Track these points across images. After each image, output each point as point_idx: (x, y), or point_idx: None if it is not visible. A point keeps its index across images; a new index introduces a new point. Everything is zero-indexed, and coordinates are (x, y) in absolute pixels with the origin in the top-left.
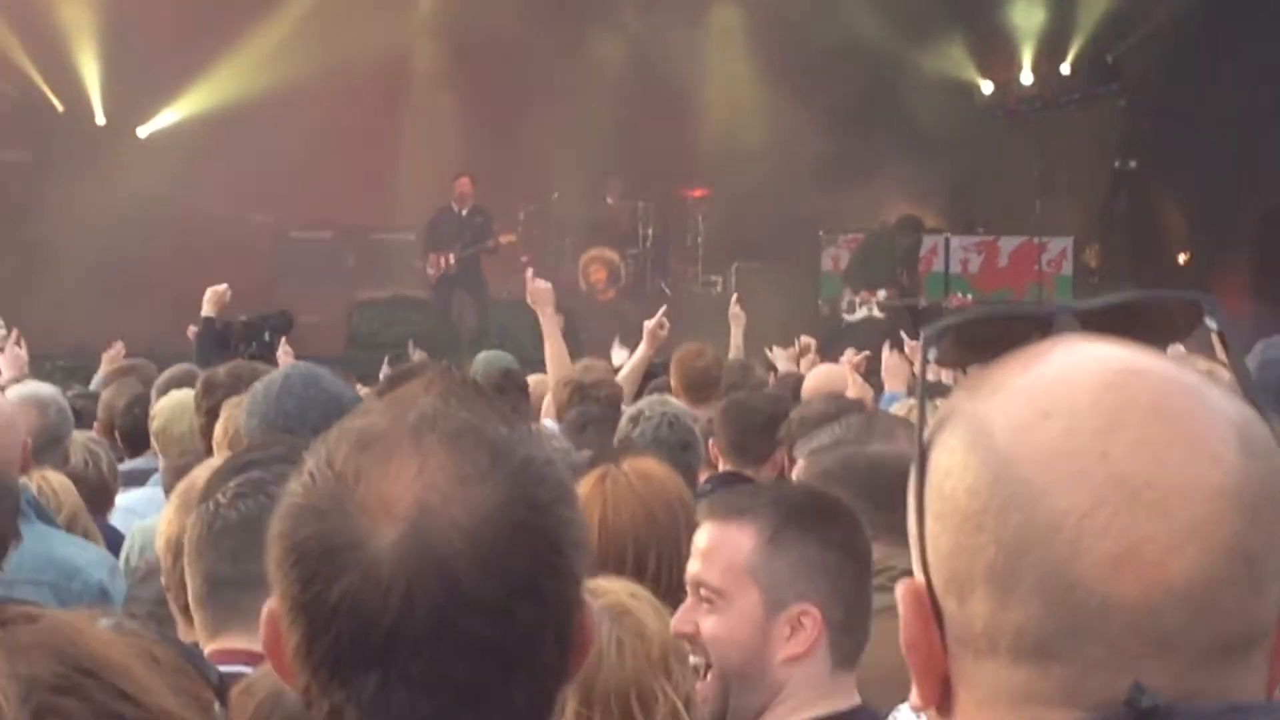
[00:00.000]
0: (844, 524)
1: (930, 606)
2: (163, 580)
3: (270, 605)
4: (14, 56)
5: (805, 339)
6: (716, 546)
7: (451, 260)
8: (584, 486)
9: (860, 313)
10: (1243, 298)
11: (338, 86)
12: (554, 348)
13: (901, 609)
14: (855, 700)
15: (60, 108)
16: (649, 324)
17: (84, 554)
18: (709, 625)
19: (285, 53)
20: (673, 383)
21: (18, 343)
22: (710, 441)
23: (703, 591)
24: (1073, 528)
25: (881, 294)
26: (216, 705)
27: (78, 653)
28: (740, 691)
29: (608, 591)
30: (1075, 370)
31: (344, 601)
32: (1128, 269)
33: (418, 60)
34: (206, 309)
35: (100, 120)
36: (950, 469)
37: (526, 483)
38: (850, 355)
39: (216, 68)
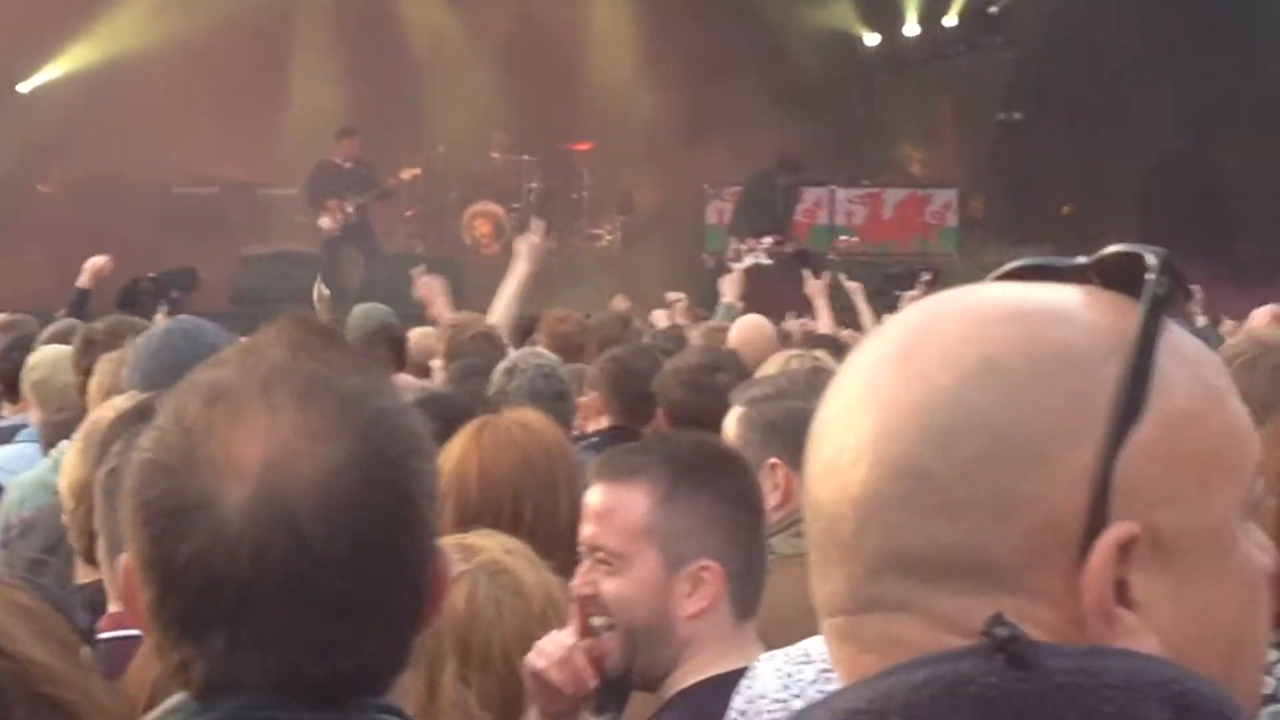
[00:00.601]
0: (736, 475)
1: None
2: (65, 519)
3: (125, 560)
4: None
5: (673, 295)
6: (611, 508)
7: (350, 209)
8: (463, 437)
9: (747, 260)
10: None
11: (222, 41)
12: (505, 297)
13: None
14: (759, 651)
15: None
16: (521, 242)
17: None
18: (610, 587)
19: (169, 7)
20: (542, 341)
21: None
22: (591, 394)
23: (600, 554)
24: (819, 434)
25: (767, 240)
26: (84, 649)
27: None
28: (647, 649)
29: (483, 549)
30: (934, 296)
31: (193, 560)
32: (1012, 220)
33: (303, 15)
34: (83, 280)
35: None
36: None
37: (377, 436)
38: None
39: (99, 22)
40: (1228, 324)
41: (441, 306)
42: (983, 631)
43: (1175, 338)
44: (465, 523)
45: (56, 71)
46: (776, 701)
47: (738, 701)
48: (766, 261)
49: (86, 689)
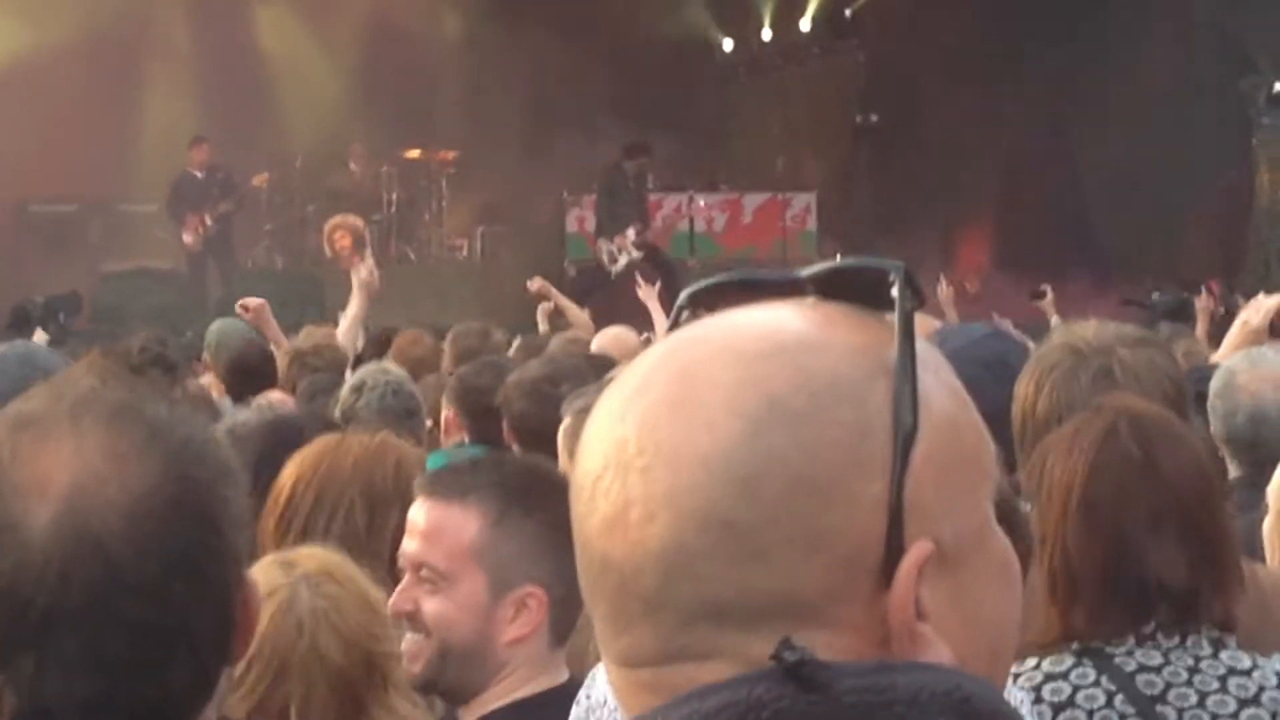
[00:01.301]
0: (565, 500)
1: None
2: None
3: None
4: None
5: (534, 281)
6: (438, 528)
7: (208, 221)
8: (310, 452)
9: (622, 260)
10: (983, 252)
11: (74, 54)
12: (345, 328)
13: None
14: (564, 675)
15: None
16: (358, 276)
17: None
18: (431, 606)
19: (19, 21)
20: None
21: None
22: (448, 409)
23: (424, 572)
24: (588, 489)
25: (631, 232)
26: None
27: None
28: (461, 669)
29: (306, 560)
30: (675, 335)
31: None
32: (870, 224)
33: (155, 26)
34: None
35: None
36: None
37: (185, 461)
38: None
39: None
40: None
41: (274, 329)
42: (772, 656)
43: (918, 349)
44: (295, 538)
45: None
46: (615, 709)
47: (577, 711)
48: (637, 254)
49: None
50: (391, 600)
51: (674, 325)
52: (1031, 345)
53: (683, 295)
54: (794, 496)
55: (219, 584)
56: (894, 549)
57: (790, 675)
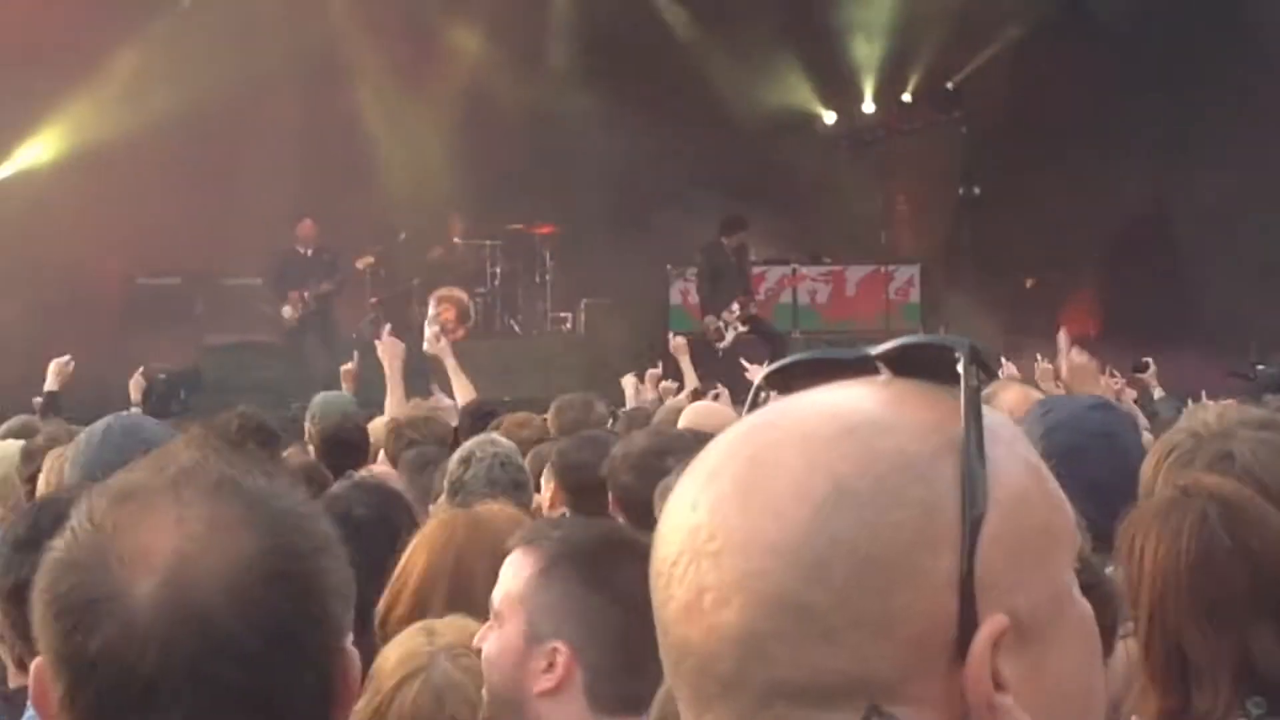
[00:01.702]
0: (625, 568)
1: None
2: None
3: (37, 661)
4: None
5: (676, 339)
6: (506, 570)
7: (307, 297)
8: (430, 529)
9: (729, 335)
10: (1090, 320)
11: (180, 131)
12: (395, 396)
13: None
14: None
15: None
16: (380, 349)
17: None
18: (487, 645)
19: (126, 100)
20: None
21: None
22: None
23: (492, 613)
24: (664, 575)
25: (735, 307)
26: None
27: None
28: (504, 715)
29: (447, 630)
30: (748, 419)
31: (103, 653)
32: (975, 295)
33: (259, 103)
34: (50, 383)
35: None
36: None
37: (285, 532)
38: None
39: (58, 116)
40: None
41: (395, 374)
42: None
43: (989, 421)
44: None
45: (15, 166)
46: None
47: None
48: (743, 329)
49: None
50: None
51: (752, 406)
52: (1140, 417)
53: (758, 377)
54: (862, 579)
55: (319, 653)
56: (967, 625)
57: None
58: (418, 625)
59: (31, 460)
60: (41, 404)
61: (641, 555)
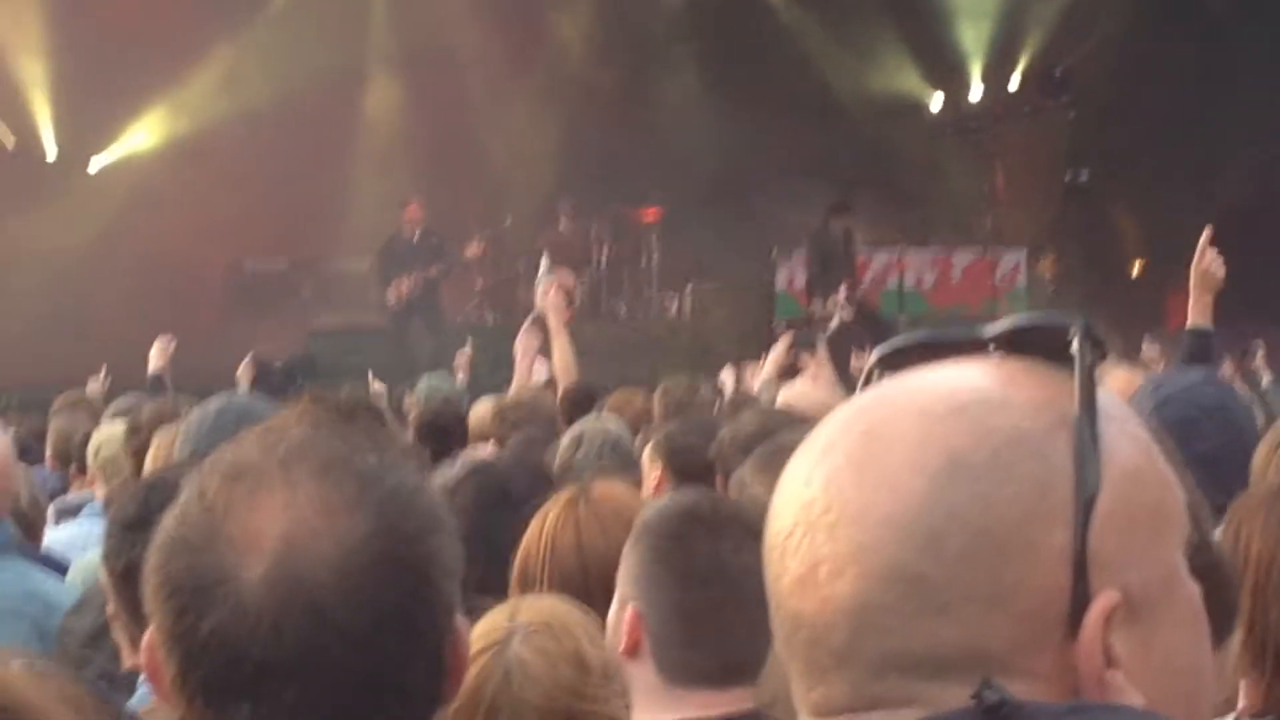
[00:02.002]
0: (693, 541)
1: None
2: (110, 609)
3: (149, 635)
4: None
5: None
6: None
7: (414, 282)
8: (554, 509)
9: (835, 319)
10: None
11: (287, 116)
12: (560, 356)
13: None
14: (681, 714)
15: (10, 144)
16: (544, 301)
17: (63, 592)
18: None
19: (233, 84)
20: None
21: None
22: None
23: None
24: (778, 548)
25: (842, 291)
26: None
27: None
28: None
29: (529, 610)
30: (861, 397)
31: (214, 635)
32: (1082, 281)
33: (366, 88)
34: (154, 364)
35: (51, 156)
36: None
37: (394, 513)
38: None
39: (165, 101)
40: None
41: (525, 367)
42: (973, 696)
43: (1101, 399)
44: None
45: (125, 150)
46: None
47: None
48: (849, 313)
49: None
50: None
51: (864, 386)
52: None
53: (871, 358)
54: (976, 552)
55: (429, 632)
56: (1080, 600)
57: (988, 715)
58: (505, 604)
59: (136, 434)
60: (148, 385)
61: (717, 530)
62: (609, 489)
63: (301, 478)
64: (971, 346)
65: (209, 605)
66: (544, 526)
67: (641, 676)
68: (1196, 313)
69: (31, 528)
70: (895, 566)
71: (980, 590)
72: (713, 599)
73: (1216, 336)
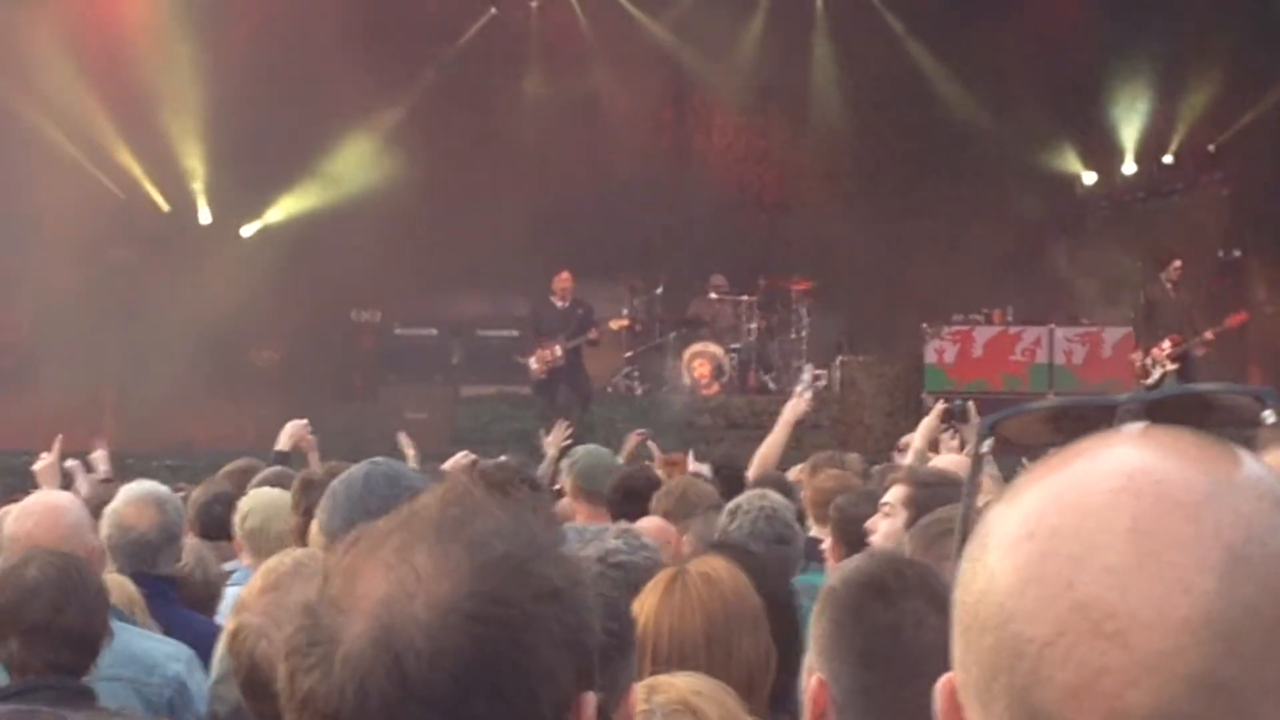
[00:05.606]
0: (866, 614)
1: (958, 705)
2: None
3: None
4: (121, 158)
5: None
6: None
7: (558, 352)
8: (653, 589)
9: (1155, 373)
10: None
11: (437, 183)
12: (770, 447)
13: (937, 701)
14: None
15: (166, 208)
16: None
17: (161, 647)
18: None
19: (384, 151)
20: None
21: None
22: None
23: None
24: (1034, 656)
25: (1166, 345)
26: None
27: None
28: None
29: (669, 688)
30: (1076, 482)
31: (309, 696)
32: (1234, 360)
33: (516, 156)
34: (283, 443)
35: (205, 219)
36: (959, 577)
37: (497, 578)
38: None
39: (318, 166)
40: None
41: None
42: None
43: None
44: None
45: (277, 214)
46: None
47: None
48: (1171, 368)
49: None
50: None
51: (977, 449)
52: None
53: (982, 424)
54: (1269, 646)
55: (522, 700)
56: None
57: None
58: (646, 681)
59: (308, 491)
60: (271, 460)
61: (898, 602)
62: (707, 565)
63: (410, 541)
64: (1104, 414)
65: (309, 666)
66: (643, 605)
67: None
68: None
69: (211, 594)
70: (1199, 673)
71: (1275, 684)
72: (892, 675)
73: None
